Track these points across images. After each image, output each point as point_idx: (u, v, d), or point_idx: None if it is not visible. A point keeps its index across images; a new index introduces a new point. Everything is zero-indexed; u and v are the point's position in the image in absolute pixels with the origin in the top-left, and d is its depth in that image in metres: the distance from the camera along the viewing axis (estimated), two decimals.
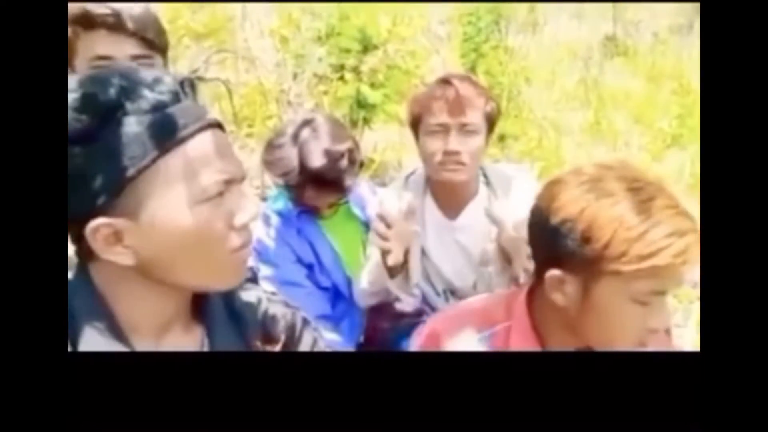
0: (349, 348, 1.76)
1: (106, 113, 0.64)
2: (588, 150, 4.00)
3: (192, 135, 0.68)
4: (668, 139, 4.13)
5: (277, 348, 0.86)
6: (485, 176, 1.65)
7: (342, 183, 1.55)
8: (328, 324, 1.71)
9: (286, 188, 1.59)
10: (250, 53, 3.72)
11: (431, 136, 1.51)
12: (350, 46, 3.19)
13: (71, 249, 0.71)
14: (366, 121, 3.24)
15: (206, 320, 0.80)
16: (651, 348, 1.05)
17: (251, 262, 1.63)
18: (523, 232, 1.04)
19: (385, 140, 3.58)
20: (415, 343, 1.18)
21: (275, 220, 1.71)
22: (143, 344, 0.73)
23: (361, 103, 3.17)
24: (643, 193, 0.89)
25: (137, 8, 1.22)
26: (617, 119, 4.40)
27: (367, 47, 3.21)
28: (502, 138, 3.80)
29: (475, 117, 1.50)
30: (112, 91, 0.64)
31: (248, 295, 0.87)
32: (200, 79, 0.73)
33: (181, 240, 0.68)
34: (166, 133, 0.66)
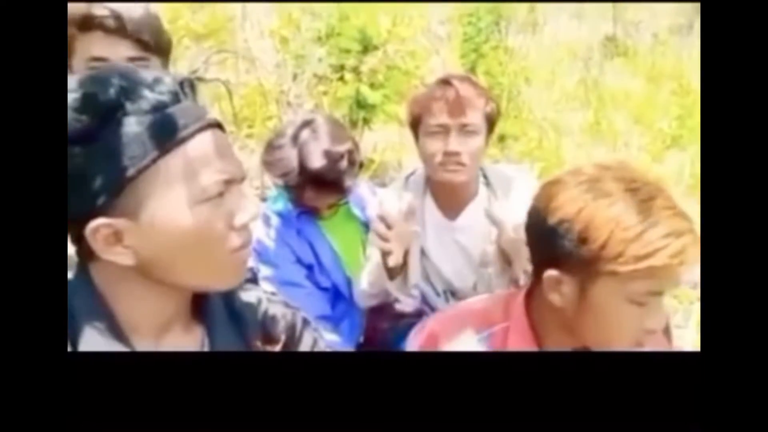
0: (349, 348, 1.76)
1: (106, 113, 0.64)
2: (588, 150, 4.00)
3: (192, 135, 0.68)
4: (668, 139, 4.13)
5: (277, 348, 0.86)
6: (485, 177, 1.65)
7: (342, 184, 1.55)
8: (328, 324, 1.71)
9: (286, 189, 1.59)
10: (250, 54, 3.72)
11: (431, 137, 1.51)
12: (350, 46, 3.19)
13: (71, 249, 0.71)
14: (366, 121, 3.24)
15: (206, 320, 0.80)
16: (650, 349, 1.06)
17: (251, 262, 1.63)
18: (523, 234, 1.04)
19: (385, 141, 3.58)
20: (411, 343, 1.18)
21: (275, 220, 1.71)
22: (143, 344, 0.73)
23: (360, 104, 3.17)
24: (640, 194, 0.89)
25: (136, 10, 1.22)
26: (617, 120, 4.39)
27: (366, 48, 3.21)
28: (502, 138, 3.80)
29: (475, 117, 1.49)
30: (112, 91, 0.64)
31: (248, 295, 0.87)
32: (200, 79, 0.73)
33: (181, 240, 0.68)
34: (166, 134, 0.66)
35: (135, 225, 0.66)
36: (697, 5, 4.85)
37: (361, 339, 1.85)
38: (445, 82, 1.52)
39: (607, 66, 5.16)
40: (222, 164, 0.70)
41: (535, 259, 1.01)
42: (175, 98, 0.68)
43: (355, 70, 3.20)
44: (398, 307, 1.72)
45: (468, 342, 1.07)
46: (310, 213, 1.69)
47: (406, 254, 1.43)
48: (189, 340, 0.78)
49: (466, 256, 1.63)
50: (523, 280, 1.34)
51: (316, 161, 1.50)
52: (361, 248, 1.74)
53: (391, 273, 1.45)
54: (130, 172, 0.64)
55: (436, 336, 1.11)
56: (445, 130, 1.49)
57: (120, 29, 1.19)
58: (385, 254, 1.40)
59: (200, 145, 0.68)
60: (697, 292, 2.63)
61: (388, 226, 1.37)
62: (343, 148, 1.54)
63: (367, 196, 1.79)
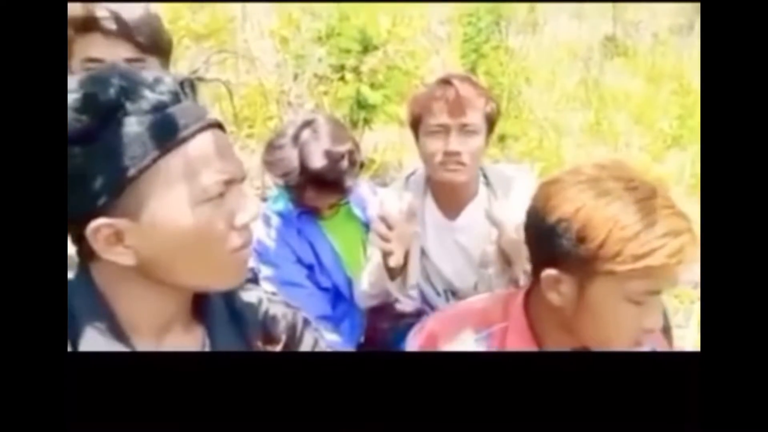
0: (350, 348, 1.76)
1: (106, 113, 0.64)
2: (588, 151, 4.00)
3: (192, 135, 0.68)
4: (668, 139, 4.13)
5: (278, 348, 0.86)
6: (485, 177, 1.65)
7: (342, 184, 1.55)
8: (329, 324, 1.71)
9: (287, 189, 1.59)
10: (251, 54, 3.72)
11: (431, 137, 1.51)
12: (350, 46, 3.20)
13: (72, 249, 0.71)
14: (366, 121, 3.24)
15: (207, 320, 0.80)
16: (648, 348, 1.06)
17: (252, 262, 1.63)
18: (523, 234, 1.04)
19: (386, 141, 3.58)
20: (410, 342, 1.18)
21: (276, 220, 1.71)
22: (144, 344, 0.73)
23: (361, 104, 3.17)
24: (638, 193, 0.89)
25: (135, 11, 1.21)
26: (617, 120, 4.39)
27: (367, 48, 3.22)
28: (502, 138, 3.80)
29: (475, 117, 1.50)
30: (113, 92, 0.64)
31: (249, 295, 0.87)
32: (200, 79, 0.73)
33: (182, 240, 0.68)
34: (166, 134, 0.66)
35: (136, 225, 0.67)
36: (697, 5, 4.85)
37: (362, 339, 1.85)
38: (446, 81, 1.52)
39: (607, 66, 5.16)
40: (222, 164, 0.70)
41: (534, 258, 1.01)
42: (176, 98, 0.68)
43: (356, 71, 3.21)
44: (399, 307, 1.73)
45: (467, 342, 1.07)
46: (310, 213, 1.69)
47: (406, 255, 1.43)
48: (189, 340, 0.78)
49: (466, 256, 1.63)
50: (523, 281, 1.34)
51: (317, 161, 1.50)
52: (362, 248, 1.74)
53: (392, 273, 1.45)
54: (131, 172, 0.64)
55: (436, 336, 1.11)
56: (445, 130, 1.49)
57: (118, 31, 1.19)
58: (385, 255, 1.40)
59: (201, 145, 0.68)
60: (698, 292, 2.63)
61: (389, 227, 1.37)
62: (343, 148, 1.55)
63: (368, 196, 1.79)
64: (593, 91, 4.67)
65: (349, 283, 1.77)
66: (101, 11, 1.18)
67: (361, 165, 1.65)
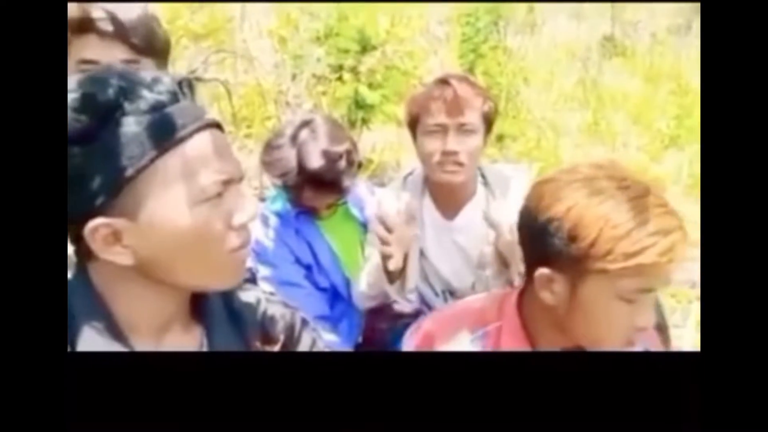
0: (348, 348, 1.76)
1: (105, 113, 0.64)
2: (586, 150, 4.00)
3: (190, 135, 0.68)
4: (666, 139, 4.14)
5: (276, 348, 0.86)
6: (483, 176, 1.65)
7: (340, 184, 1.55)
8: (327, 324, 1.71)
9: (285, 189, 1.59)
10: (249, 54, 3.72)
11: (429, 136, 1.51)
12: (349, 46, 3.20)
13: (70, 249, 0.71)
14: (364, 121, 3.24)
15: (205, 320, 0.80)
16: (640, 347, 1.06)
17: (250, 262, 1.63)
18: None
19: (384, 141, 3.58)
20: (407, 342, 1.18)
21: (274, 220, 1.71)
22: (142, 344, 0.73)
23: (359, 104, 3.17)
24: (630, 192, 0.89)
25: (132, 12, 1.21)
26: (615, 120, 4.40)
27: (365, 48, 3.22)
28: (500, 138, 3.81)
29: (472, 117, 1.50)
30: (111, 92, 0.64)
31: (247, 295, 0.87)
32: (198, 79, 0.73)
33: (180, 240, 0.68)
34: (164, 133, 0.66)
35: (134, 225, 0.66)
36: (696, 5, 4.86)
37: (360, 339, 1.85)
38: (443, 81, 1.52)
39: (605, 66, 5.17)
40: (220, 164, 0.69)
41: (528, 258, 1.01)
42: (174, 98, 0.68)
43: (354, 71, 3.21)
44: (397, 307, 1.72)
45: (462, 342, 1.07)
46: (308, 213, 1.69)
47: (405, 258, 1.43)
48: (188, 340, 0.78)
49: (464, 256, 1.63)
50: (519, 282, 1.34)
51: (315, 161, 1.50)
52: (360, 248, 1.74)
53: (391, 276, 1.45)
54: (129, 172, 0.64)
55: (432, 335, 1.12)
56: (443, 130, 1.49)
57: (113, 32, 1.18)
58: (384, 258, 1.41)
59: (199, 145, 0.68)
60: (696, 292, 2.64)
61: (388, 230, 1.37)
62: (341, 148, 1.54)
63: (366, 196, 1.79)
64: (591, 91, 4.68)
65: (347, 283, 1.77)
66: (96, 12, 1.17)
67: (359, 165, 1.65)
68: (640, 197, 0.89)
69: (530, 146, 3.88)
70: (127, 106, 0.65)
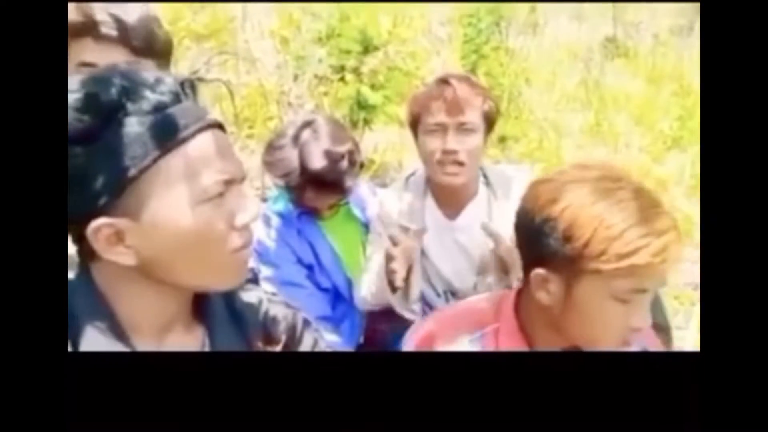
0: (349, 349, 1.76)
1: (107, 113, 0.64)
2: (588, 152, 4.00)
3: (193, 135, 0.68)
4: (668, 140, 4.13)
5: (278, 349, 0.86)
6: (485, 176, 1.66)
7: (342, 184, 1.55)
8: (329, 325, 1.72)
9: (287, 189, 1.59)
10: (251, 54, 3.72)
11: (430, 135, 1.52)
12: (351, 47, 3.20)
13: (73, 249, 0.71)
14: (366, 122, 3.24)
15: (207, 320, 0.80)
16: (638, 346, 1.06)
17: (252, 262, 1.63)
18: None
19: (386, 141, 3.58)
20: (408, 342, 1.18)
21: (275, 221, 1.71)
22: (144, 344, 0.73)
23: (361, 105, 3.17)
24: (624, 193, 0.89)
25: (132, 14, 1.21)
26: (618, 121, 4.40)
27: (367, 48, 3.22)
28: (502, 139, 3.81)
29: (472, 116, 1.50)
30: (114, 92, 0.64)
31: (249, 295, 0.87)
32: (201, 80, 0.73)
33: (183, 240, 0.68)
34: (167, 134, 0.66)
35: (136, 225, 0.67)
36: (697, 6, 4.85)
37: (362, 339, 1.86)
38: (444, 81, 1.52)
39: (607, 67, 5.16)
40: (222, 164, 0.70)
41: (524, 258, 1.02)
42: (176, 99, 0.68)
43: (356, 71, 3.21)
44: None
45: (461, 343, 1.07)
46: (310, 213, 1.69)
47: (409, 270, 1.44)
48: (190, 340, 0.79)
49: (466, 256, 1.63)
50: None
51: (317, 162, 1.50)
52: (362, 249, 1.74)
53: (394, 287, 1.46)
54: (132, 172, 0.65)
55: (433, 336, 1.12)
56: (443, 129, 1.50)
57: (112, 35, 1.18)
58: (389, 271, 1.42)
59: (201, 145, 0.68)
60: (698, 294, 2.63)
61: (395, 243, 1.38)
62: (343, 148, 1.55)
63: (368, 196, 1.80)
64: (593, 92, 4.68)
65: (349, 283, 1.77)
66: (96, 15, 1.17)
67: (361, 165, 1.65)
68: (634, 198, 0.89)
69: (532, 147, 3.87)
70: (129, 106, 0.65)
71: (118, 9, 1.18)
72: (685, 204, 3.42)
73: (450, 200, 1.63)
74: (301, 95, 3.55)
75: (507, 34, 4.44)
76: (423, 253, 1.63)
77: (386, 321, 1.77)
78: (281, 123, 3.25)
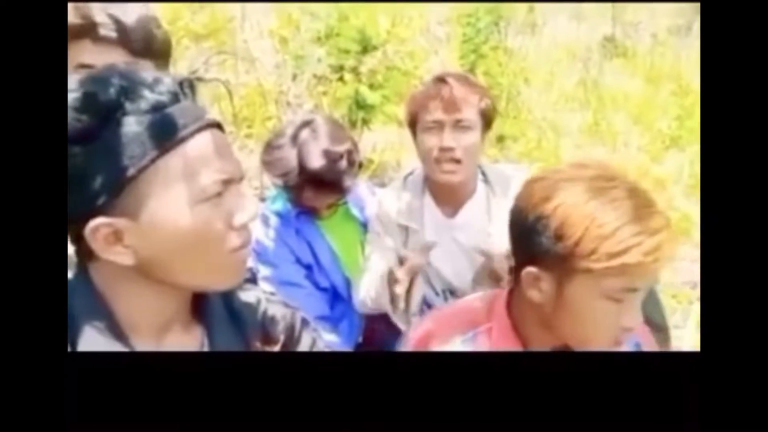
0: (348, 349, 1.76)
1: (106, 113, 0.64)
2: (587, 151, 4.01)
3: (191, 135, 0.68)
4: (667, 140, 4.14)
5: (276, 348, 0.86)
6: (484, 175, 1.66)
7: (341, 184, 1.55)
8: (327, 325, 1.72)
9: (285, 189, 1.59)
10: (250, 54, 3.72)
11: (427, 133, 1.53)
12: (349, 47, 3.20)
13: (71, 249, 0.71)
14: (365, 121, 3.24)
15: (206, 320, 0.80)
16: (633, 343, 1.06)
17: (250, 262, 1.63)
18: (512, 259, 1.04)
19: (384, 141, 3.58)
20: (406, 342, 1.18)
21: (274, 220, 1.71)
22: (143, 344, 0.73)
23: (360, 104, 3.17)
24: (618, 192, 0.89)
25: (130, 15, 1.21)
26: (616, 120, 4.40)
27: (366, 48, 3.22)
28: (501, 139, 3.81)
29: (469, 113, 1.51)
30: (113, 91, 0.64)
31: (247, 295, 0.87)
32: (199, 79, 0.73)
33: (181, 240, 0.68)
34: (165, 133, 0.66)
35: (135, 225, 0.66)
36: (697, 6, 4.86)
37: (360, 339, 1.86)
38: (441, 79, 1.54)
39: (606, 67, 5.17)
40: (221, 164, 0.70)
41: (516, 257, 1.02)
42: (175, 98, 0.68)
43: (355, 71, 3.21)
44: None
45: (454, 343, 1.07)
46: (309, 213, 1.69)
47: (411, 282, 1.45)
48: (188, 339, 0.78)
49: (464, 254, 1.63)
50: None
51: (316, 161, 1.50)
52: (360, 248, 1.74)
53: (395, 298, 1.47)
54: (130, 171, 0.64)
55: (431, 335, 1.12)
56: (439, 126, 1.51)
57: (110, 36, 1.18)
58: (392, 282, 1.44)
59: (199, 145, 0.68)
60: (696, 293, 2.64)
61: (401, 261, 1.41)
62: (342, 148, 1.55)
63: (366, 196, 1.80)
64: (592, 92, 4.68)
65: (348, 283, 1.77)
66: (95, 17, 1.17)
67: (360, 165, 1.65)
68: (628, 197, 0.89)
69: (531, 147, 3.88)
70: (128, 105, 0.65)
71: (117, 10, 1.18)
72: (683, 203, 3.43)
73: (448, 198, 1.63)
74: (300, 95, 3.56)
75: (506, 33, 4.45)
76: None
77: (385, 321, 1.77)
78: (280, 123, 3.25)
